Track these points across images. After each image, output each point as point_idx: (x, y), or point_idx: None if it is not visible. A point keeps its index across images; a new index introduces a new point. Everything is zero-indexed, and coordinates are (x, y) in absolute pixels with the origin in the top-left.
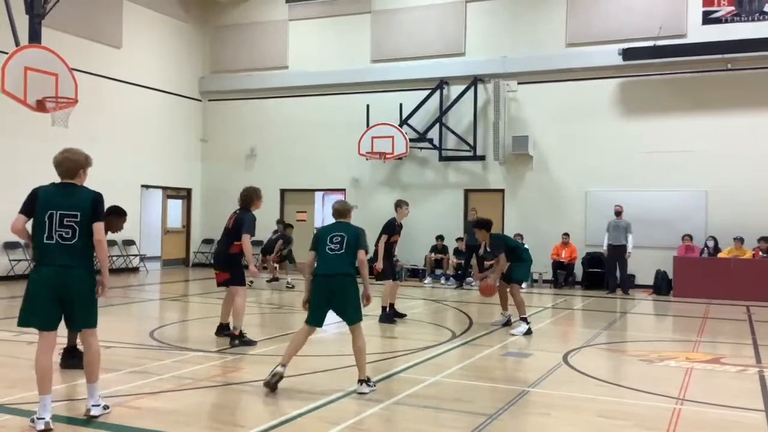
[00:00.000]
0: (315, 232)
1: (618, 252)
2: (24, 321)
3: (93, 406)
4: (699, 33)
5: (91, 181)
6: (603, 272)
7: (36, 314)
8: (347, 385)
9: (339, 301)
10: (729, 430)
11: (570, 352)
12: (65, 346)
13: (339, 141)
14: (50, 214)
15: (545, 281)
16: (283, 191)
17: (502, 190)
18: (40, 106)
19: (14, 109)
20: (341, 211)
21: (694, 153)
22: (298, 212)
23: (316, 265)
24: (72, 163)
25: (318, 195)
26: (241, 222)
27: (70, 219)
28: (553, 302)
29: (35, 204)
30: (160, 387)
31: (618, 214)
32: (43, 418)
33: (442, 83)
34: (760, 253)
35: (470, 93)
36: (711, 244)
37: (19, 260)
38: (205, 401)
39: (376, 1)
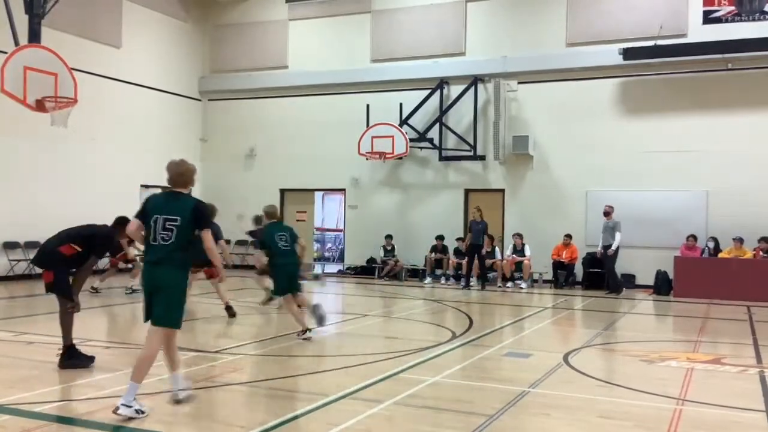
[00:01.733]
0: (264, 233)
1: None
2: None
3: (122, 405)
4: (699, 33)
5: (91, 180)
6: (603, 272)
7: (144, 307)
8: (347, 386)
9: (296, 277)
10: (730, 431)
11: (570, 352)
12: (62, 346)
13: (339, 141)
14: (155, 219)
15: (545, 281)
16: (282, 191)
17: (503, 190)
18: (40, 105)
19: (14, 109)
20: (272, 213)
21: (694, 153)
22: (297, 212)
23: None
24: (190, 173)
25: (318, 195)
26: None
27: (171, 223)
28: (554, 302)
29: (146, 210)
30: (159, 387)
31: (606, 214)
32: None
33: (442, 83)
34: (761, 253)
35: (470, 93)
36: (711, 245)
37: (19, 260)
38: (204, 401)
39: (376, 0)
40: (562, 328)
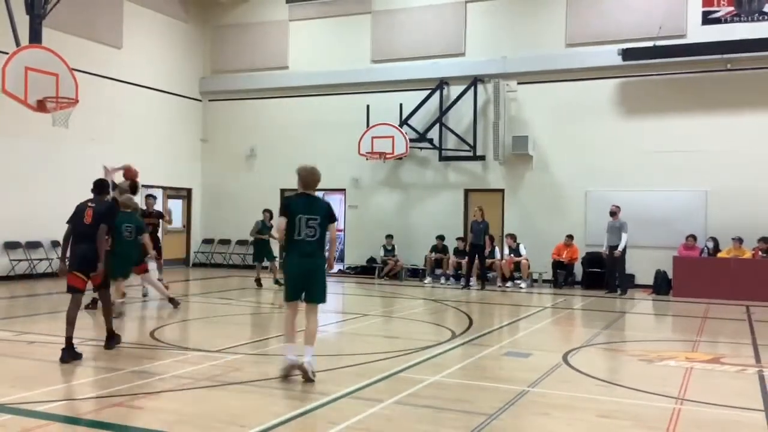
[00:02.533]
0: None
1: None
2: (285, 297)
3: (308, 363)
4: (699, 33)
5: (91, 181)
6: (603, 272)
7: (287, 289)
8: (347, 385)
9: (130, 265)
10: (728, 430)
11: (570, 351)
12: (63, 345)
13: (339, 141)
14: (299, 218)
15: (545, 281)
16: (283, 191)
17: (502, 190)
18: (41, 106)
19: (15, 110)
20: (126, 204)
21: (693, 153)
22: None
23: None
24: (319, 178)
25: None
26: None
27: (313, 221)
28: (553, 302)
29: (289, 210)
30: (160, 387)
31: (613, 214)
32: (289, 357)
33: (442, 83)
34: (760, 253)
35: (470, 93)
36: (711, 245)
37: (20, 260)
38: (205, 401)
39: (377, 1)
40: (562, 328)
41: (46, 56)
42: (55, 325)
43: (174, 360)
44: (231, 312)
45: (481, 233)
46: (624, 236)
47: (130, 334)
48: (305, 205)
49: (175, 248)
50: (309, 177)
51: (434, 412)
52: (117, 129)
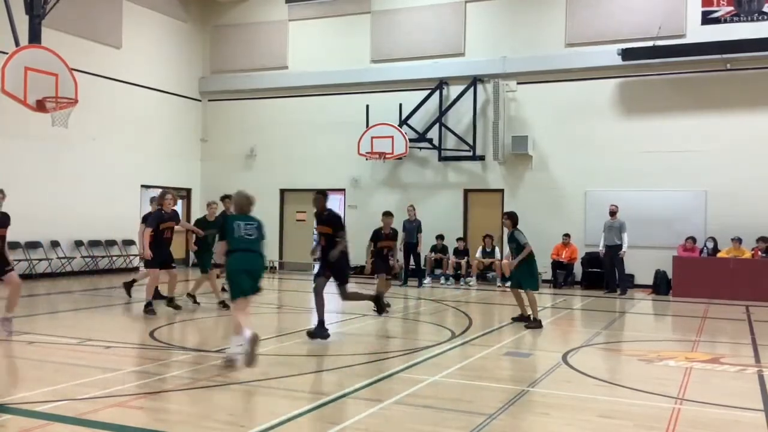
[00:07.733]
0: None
1: (613, 252)
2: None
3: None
4: (698, 33)
5: (92, 181)
6: (602, 272)
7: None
8: (347, 385)
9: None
10: (728, 430)
11: (569, 351)
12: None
13: (339, 141)
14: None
15: (544, 281)
16: (282, 191)
17: (502, 190)
18: (40, 106)
19: (15, 110)
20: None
21: (693, 153)
22: (297, 212)
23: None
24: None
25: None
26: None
27: None
28: (553, 302)
29: None
30: (160, 387)
31: (612, 214)
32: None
33: (441, 83)
34: (759, 253)
35: (470, 93)
36: (710, 245)
37: (20, 260)
38: (205, 401)
39: (376, 1)
40: (561, 328)
41: (46, 56)
42: (54, 324)
43: (174, 360)
44: (230, 312)
45: (414, 231)
46: (625, 236)
47: (129, 335)
48: None
49: (175, 248)
50: None
51: (434, 412)
52: (117, 129)
